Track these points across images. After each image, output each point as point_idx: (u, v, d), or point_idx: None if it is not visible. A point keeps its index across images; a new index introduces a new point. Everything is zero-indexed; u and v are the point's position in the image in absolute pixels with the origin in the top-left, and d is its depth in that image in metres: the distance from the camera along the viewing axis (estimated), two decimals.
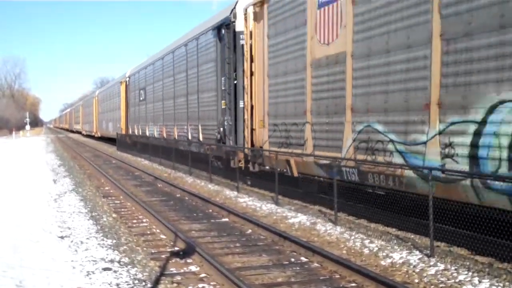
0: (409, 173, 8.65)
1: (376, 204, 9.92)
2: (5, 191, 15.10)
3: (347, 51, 10.26)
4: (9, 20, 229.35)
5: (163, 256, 8.18)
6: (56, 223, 10.52)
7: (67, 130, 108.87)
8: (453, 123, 7.78)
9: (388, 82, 9.22)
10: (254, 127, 14.47)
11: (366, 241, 8.75)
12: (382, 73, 9.33)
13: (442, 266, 7.21)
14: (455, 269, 7.04)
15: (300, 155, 11.78)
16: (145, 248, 8.72)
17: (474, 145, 7.40)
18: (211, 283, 6.86)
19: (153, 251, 8.53)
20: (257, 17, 13.91)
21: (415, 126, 8.57)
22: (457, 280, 6.65)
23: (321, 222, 10.42)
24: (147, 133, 27.29)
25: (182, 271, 7.40)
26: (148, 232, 10.05)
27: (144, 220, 11.23)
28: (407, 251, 8.03)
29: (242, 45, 14.80)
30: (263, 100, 13.79)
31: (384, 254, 7.98)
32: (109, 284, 6.65)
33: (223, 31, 16.03)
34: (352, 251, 8.32)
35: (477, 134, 7.36)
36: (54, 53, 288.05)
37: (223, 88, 16.16)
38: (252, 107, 14.50)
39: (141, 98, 29.45)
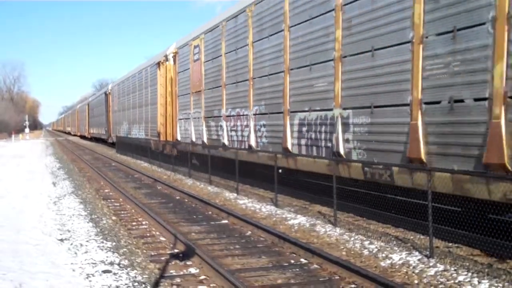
0: None
1: None
2: (4, 194, 15.09)
3: None
4: (7, 23, 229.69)
5: (162, 258, 8.19)
6: (56, 226, 10.52)
7: (63, 132, 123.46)
8: None
9: None
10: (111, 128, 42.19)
11: (366, 242, 8.75)
12: None
13: (441, 267, 7.21)
14: (455, 270, 7.05)
15: (125, 137, 35.22)
16: (144, 251, 8.73)
17: None
18: (211, 285, 6.87)
19: (152, 254, 8.53)
20: (111, 94, 42.15)
21: None
22: (456, 281, 6.65)
23: (320, 223, 10.43)
24: (93, 132, 56.88)
25: (181, 273, 7.40)
26: (148, 235, 10.05)
27: (144, 223, 11.24)
28: (407, 252, 8.04)
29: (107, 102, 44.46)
30: (112, 119, 41.43)
31: (384, 255, 7.99)
32: (109, 287, 6.65)
33: (106, 95, 44.61)
34: (352, 252, 8.32)
35: None
36: (53, 55, 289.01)
37: (106, 115, 44.04)
38: (110, 122, 42.28)
39: (94, 114, 57.10)
